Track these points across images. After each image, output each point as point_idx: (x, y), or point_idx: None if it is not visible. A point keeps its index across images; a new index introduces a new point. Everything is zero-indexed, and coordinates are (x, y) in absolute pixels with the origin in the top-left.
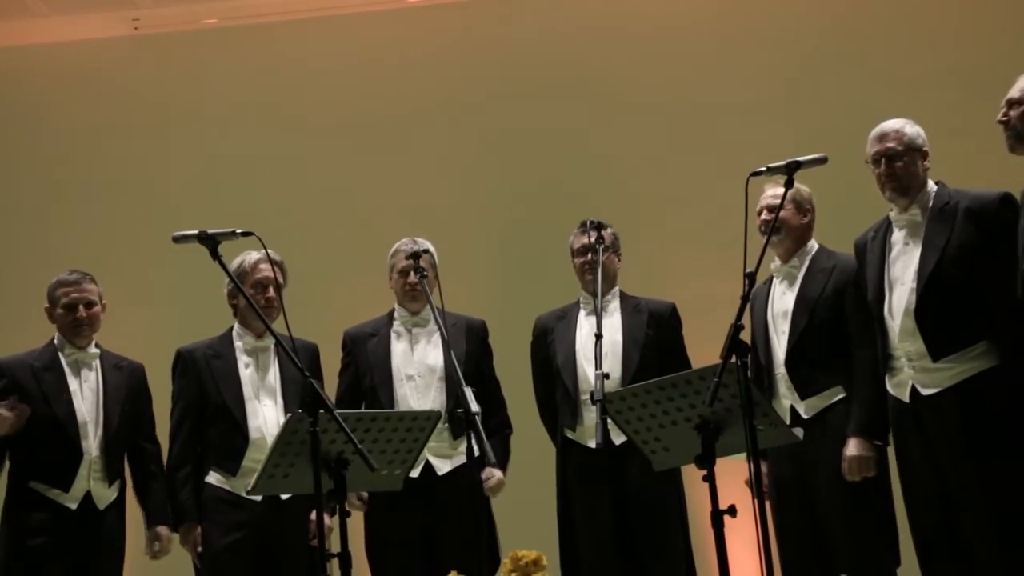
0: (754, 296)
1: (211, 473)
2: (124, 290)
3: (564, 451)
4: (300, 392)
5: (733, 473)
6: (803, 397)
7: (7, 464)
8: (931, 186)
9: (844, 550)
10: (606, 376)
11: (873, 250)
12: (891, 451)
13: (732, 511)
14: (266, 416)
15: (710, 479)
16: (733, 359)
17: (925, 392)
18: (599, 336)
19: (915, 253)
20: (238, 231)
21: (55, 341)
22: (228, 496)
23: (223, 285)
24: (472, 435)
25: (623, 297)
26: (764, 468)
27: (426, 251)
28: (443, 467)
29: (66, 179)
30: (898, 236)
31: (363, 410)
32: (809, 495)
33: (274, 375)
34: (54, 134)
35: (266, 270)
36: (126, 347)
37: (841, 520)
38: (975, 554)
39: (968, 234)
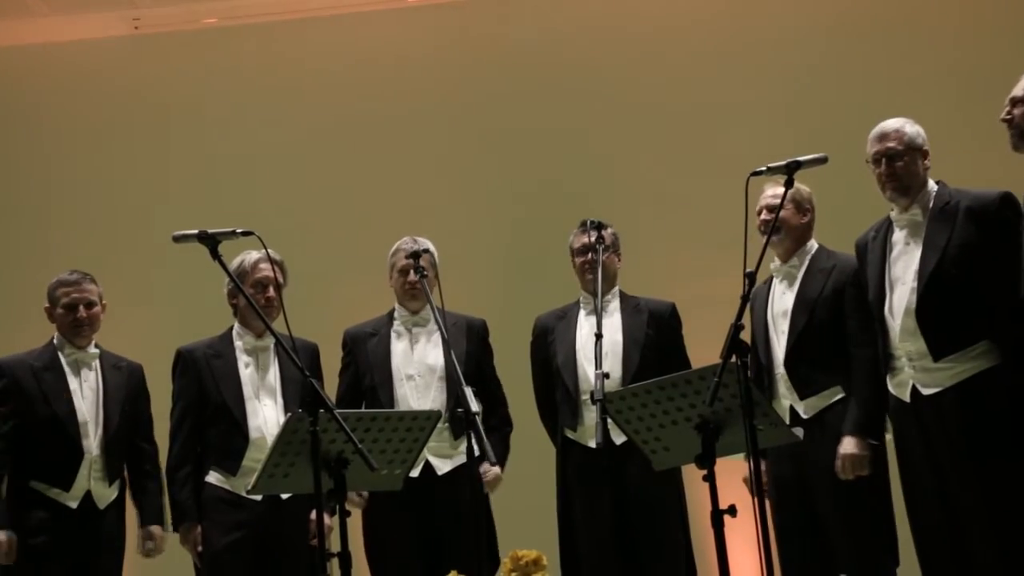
0: (754, 296)
1: (211, 473)
2: (124, 290)
3: (564, 451)
4: (300, 392)
5: (733, 473)
6: (802, 397)
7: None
8: (931, 186)
9: (843, 550)
10: (606, 376)
11: (874, 250)
12: (891, 451)
13: (732, 511)
14: (266, 416)
15: (710, 479)
16: (733, 359)
17: (926, 392)
18: (599, 336)
19: (916, 253)
20: (238, 231)
21: (55, 341)
22: (228, 496)
23: (223, 285)
24: (472, 435)
25: (623, 297)
26: (763, 467)
27: (426, 250)
28: (443, 467)
29: (66, 179)
30: (899, 236)
31: (363, 410)
32: (808, 495)
33: (274, 375)
34: (54, 134)
35: (266, 270)
36: (126, 347)
37: (840, 520)
38: (975, 554)
39: (969, 234)
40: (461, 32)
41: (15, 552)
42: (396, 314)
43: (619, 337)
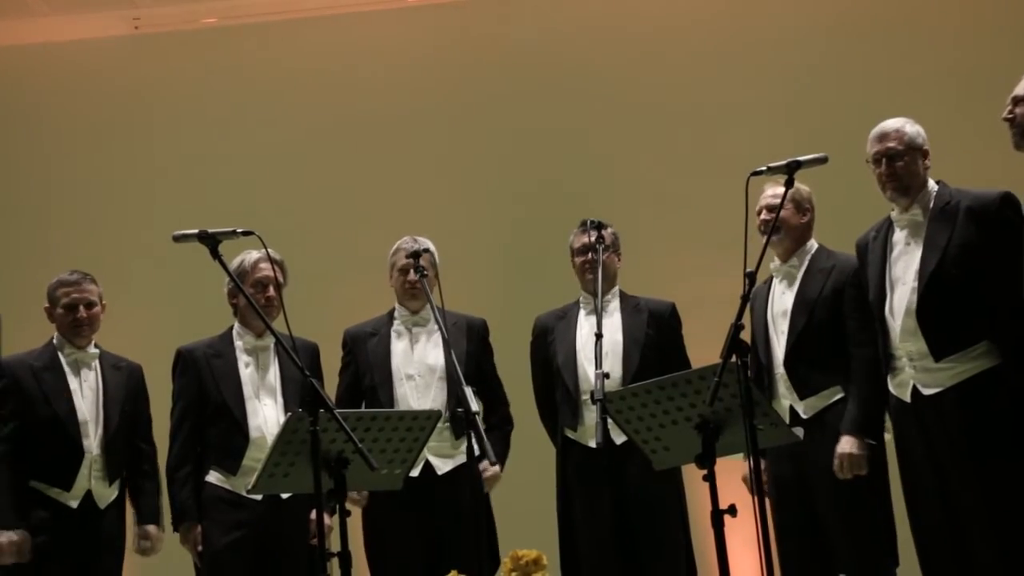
0: (754, 296)
1: (211, 472)
2: (124, 290)
3: (564, 451)
4: (300, 391)
5: (733, 472)
6: (802, 397)
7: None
8: (932, 186)
9: (842, 550)
10: (606, 376)
11: (874, 250)
12: (891, 451)
13: (732, 510)
14: (266, 415)
15: (710, 478)
16: (733, 359)
17: (926, 392)
18: (599, 336)
19: (916, 253)
20: (238, 230)
21: (54, 341)
22: (228, 495)
23: (223, 284)
24: (472, 434)
25: (623, 297)
26: (763, 467)
27: (426, 250)
28: (443, 467)
29: (66, 178)
30: (899, 236)
31: (363, 409)
32: (808, 495)
33: (274, 374)
34: (54, 133)
35: (266, 269)
36: (126, 347)
37: (839, 520)
38: (976, 554)
39: (969, 234)
40: (461, 32)
41: (28, 550)
42: (396, 314)
43: (619, 337)
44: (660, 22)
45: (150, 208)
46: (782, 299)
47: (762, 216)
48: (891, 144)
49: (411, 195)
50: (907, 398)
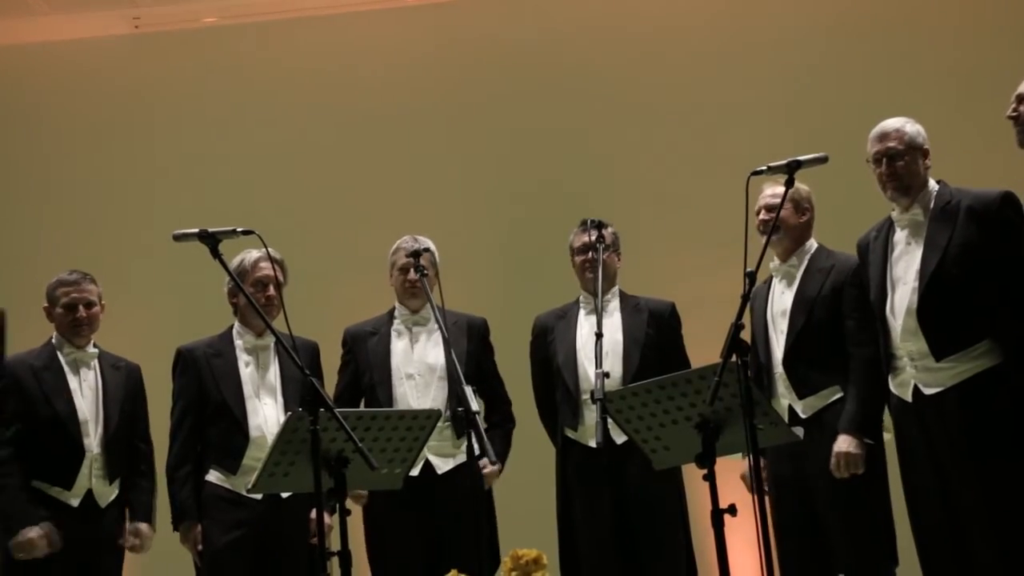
0: (754, 295)
1: (211, 471)
2: (124, 289)
3: (564, 450)
4: (300, 390)
5: (733, 472)
6: (801, 396)
7: None
8: (932, 185)
9: (841, 550)
10: (606, 375)
11: (875, 250)
12: (891, 450)
13: (732, 510)
14: (266, 414)
15: (710, 478)
16: (734, 358)
17: (927, 391)
18: (599, 335)
19: (917, 253)
20: (238, 229)
21: (53, 340)
22: (228, 494)
23: (223, 284)
24: (472, 434)
25: (623, 296)
26: (762, 466)
27: (427, 249)
28: (443, 466)
29: (66, 178)
30: (900, 236)
31: (363, 409)
32: (807, 494)
33: (274, 373)
34: (54, 133)
35: (266, 268)
36: (126, 346)
37: (838, 520)
38: (976, 554)
39: (970, 233)
40: (460, 32)
41: (59, 540)
42: (396, 313)
43: (619, 336)
44: (660, 22)
45: (150, 208)
46: (781, 299)
47: (761, 216)
48: (891, 144)
49: (411, 195)
50: (908, 398)
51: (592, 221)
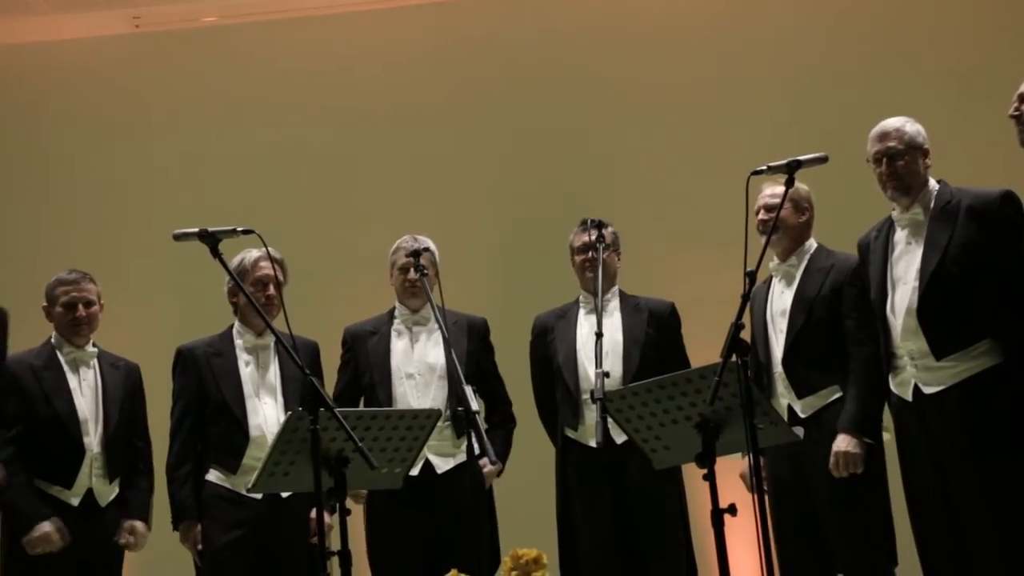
0: (754, 295)
1: (211, 471)
2: (124, 289)
3: (564, 450)
4: (300, 390)
5: (733, 472)
6: (800, 396)
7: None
8: (933, 185)
9: (840, 550)
10: (606, 375)
11: (876, 249)
12: (890, 450)
13: (732, 510)
14: (266, 414)
15: (710, 478)
16: (734, 358)
17: (928, 391)
18: (599, 335)
19: (917, 252)
20: (239, 229)
21: (52, 340)
22: (228, 494)
23: (223, 283)
24: (472, 433)
25: (623, 296)
26: (761, 465)
27: (427, 249)
28: (443, 465)
29: (65, 177)
30: (900, 235)
31: (363, 408)
32: (806, 494)
33: (274, 373)
34: (54, 132)
35: (266, 268)
36: (126, 346)
37: (837, 520)
38: (977, 553)
39: (970, 233)
40: (460, 32)
41: (68, 534)
42: (396, 312)
43: (619, 336)
44: (660, 22)
45: (149, 207)
46: (781, 298)
47: (760, 216)
48: (891, 143)
49: (411, 194)
50: (908, 397)
51: (592, 221)
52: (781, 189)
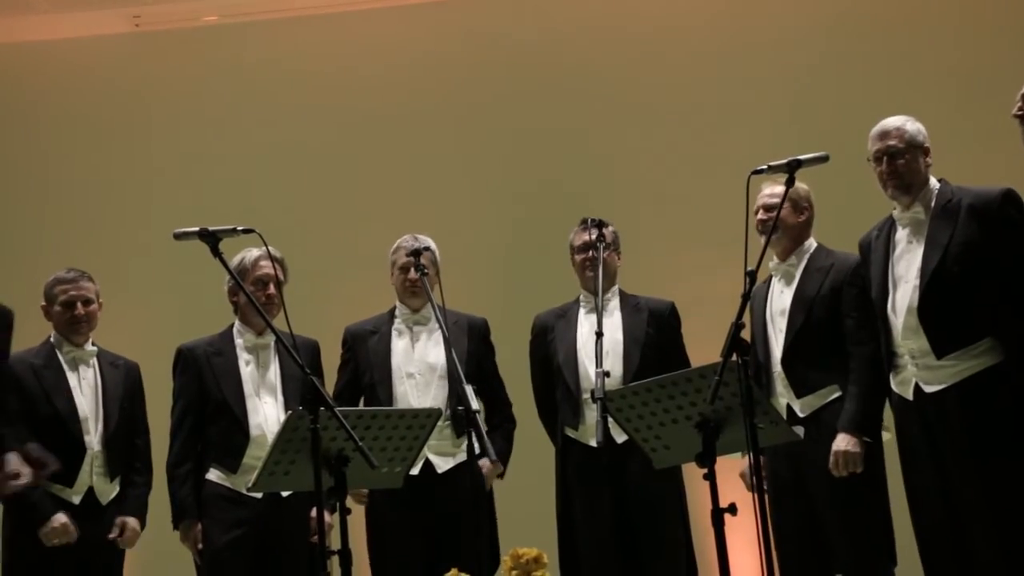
0: (754, 294)
1: (212, 470)
2: (124, 288)
3: (564, 450)
4: (301, 389)
5: (733, 471)
6: (799, 395)
7: None
8: (933, 183)
9: (840, 550)
10: (607, 374)
11: (877, 248)
12: (890, 450)
13: (732, 509)
14: (267, 413)
15: (711, 477)
16: (734, 357)
17: (928, 389)
18: (600, 334)
19: (918, 251)
20: (239, 228)
21: (52, 339)
22: (229, 493)
23: (221, 282)
24: (472, 433)
25: (623, 296)
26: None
27: (427, 248)
28: (443, 465)
29: (65, 177)
30: (902, 234)
31: (364, 407)
32: (805, 494)
33: (275, 372)
34: (54, 131)
35: (267, 267)
36: (126, 345)
37: (837, 519)
38: (977, 552)
39: (971, 231)
40: (461, 32)
41: (75, 530)
42: (397, 312)
43: (619, 336)
44: (660, 22)
45: (149, 206)
46: (780, 298)
47: (759, 216)
48: (892, 142)
49: (411, 194)
50: (909, 396)
51: (592, 220)
52: (780, 189)
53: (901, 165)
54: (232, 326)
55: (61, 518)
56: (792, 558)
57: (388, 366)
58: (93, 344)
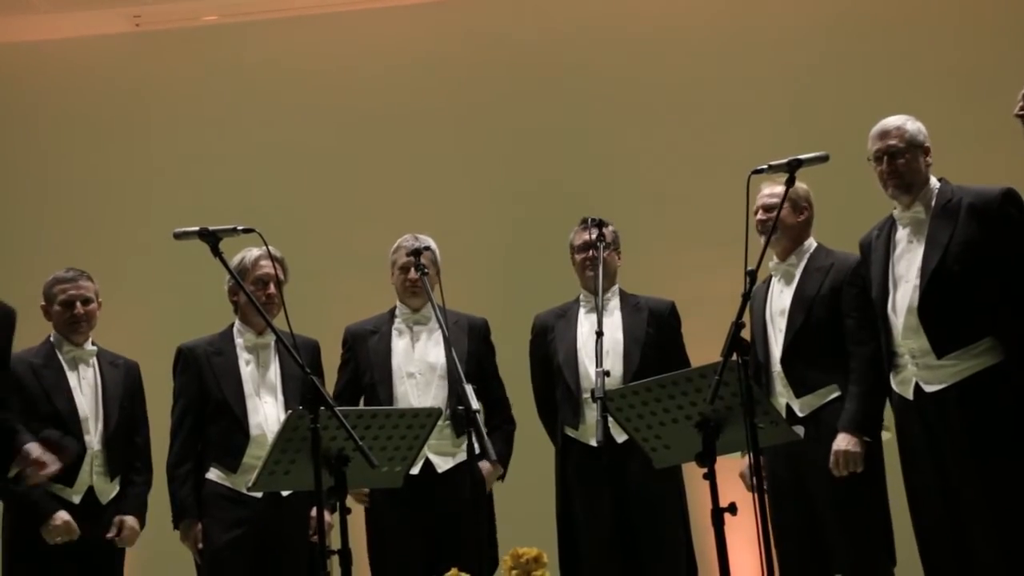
0: (754, 294)
1: (212, 470)
2: (122, 288)
3: (564, 449)
4: (301, 389)
5: (733, 471)
6: (798, 395)
7: None
8: (934, 183)
9: (839, 549)
10: (607, 374)
11: (877, 248)
12: (889, 449)
13: (732, 509)
14: (267, 413)
15: (711, 477)
16: (734, 357)
17: (929, 389)
18: (600, 334)
19: (919, 250)
20: (239, 227)
21: (51, 339)
22: (229, 493)
23: (221, 282)
24: (472, 432)
25: (623, 295)
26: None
27: (427, 248)
28: (443, 465)
29: (64, 176)
30: (902, 234)
31: (364, 407)
32: (804, 493)
33: (275, 372)
34: (53, 131)
35: (267, 266)
36: (126, 345)
37: (836, 519)
38: (977, 552)
39: (971, 230)
40: (461, 32)
41: (76, 528)
42: (397, 312)
43: (619, 335)
44: (660, 22)
45: (148, 206)
46: (780, 297)
47: (759, 216)
48: (892, 141)
49: (411, 193)
50: (909, 395)
51: (592, 219)
52: (779, 189)
53: (901, 164)
54: (232, 326)
55: (63, 516)
56: (792, 557)
57: (388, 366)
58: (93, 343)
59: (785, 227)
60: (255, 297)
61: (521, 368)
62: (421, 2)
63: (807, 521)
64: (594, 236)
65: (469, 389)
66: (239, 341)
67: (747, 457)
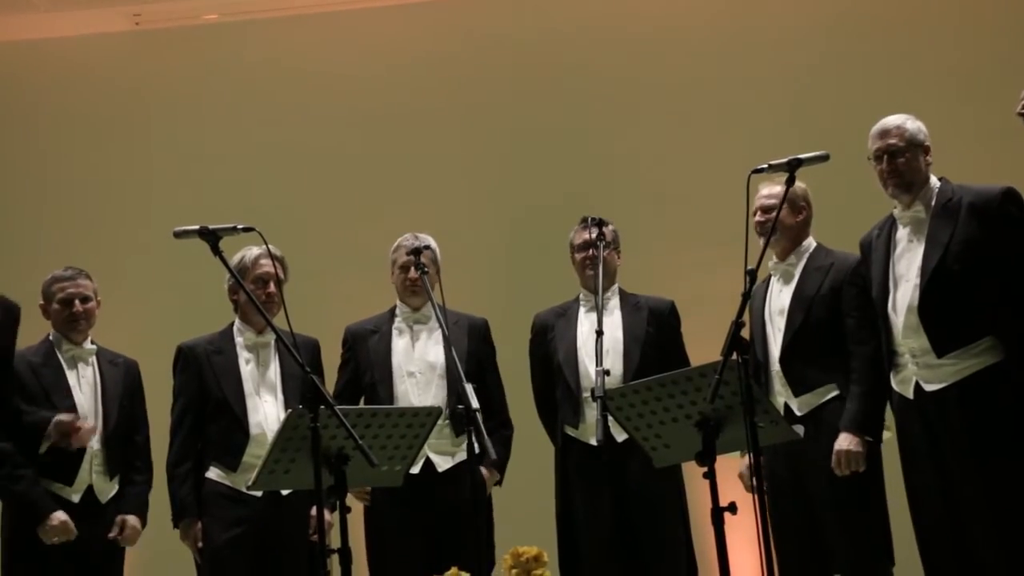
0: (753, 294)
1: (211, 469)
2: (121, 287)
3: (564, 448)
4: (301, 388)
5: (733, 470)
6: (797, 394)
7: None
8: (934, 182)
9: (838, 549)
10: (607, 373)
11: (878, 247)
12: (889, 449)
13: (732, 508)
14: (266, 412)
15: (711, 476)
16: (734, 356)
17: (929, 388)
18: (600, 333)
19: (919, 250)
20: (239, 226)
21: (51, 337)
22: (228, 492)
23: (220, 281)
24: (472, 432)
25: (623, 294)
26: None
27: (427, 247)
28: (443, 464)
29: (64, 175)
30: (902, 233)
31: (364, 406)
32: (803, 493)
33: (275, 371)
34: (53, 130)
35: (267, 265)
36: (126, 344)
37: (835, 519)
38: (977, 551)
39: (972, 230)
40: (461, 31)
41: (73, 528)
42: (398, 311)
43: (619, 334)
44: (660, 22)
45: (148, 205)
46: (780, 297)
47: (757, 217)
48: (892, 140)
49: (412, 193)
50: (910, 395)
51: (592, 218)
52: (778, 189)
53: (901, 164)
54: (232, 324)
55: (60, 516)
56: (791, 557)
57: (388, 365)
58: (92, 342)
59: (784, 227)
60: (255, 296)
61: (521, 367)
62: (421, 2)
63: (806, 521)
64: (594, 235)
65: (469, 388)
66: (239, 340)
67: (746, 457)
